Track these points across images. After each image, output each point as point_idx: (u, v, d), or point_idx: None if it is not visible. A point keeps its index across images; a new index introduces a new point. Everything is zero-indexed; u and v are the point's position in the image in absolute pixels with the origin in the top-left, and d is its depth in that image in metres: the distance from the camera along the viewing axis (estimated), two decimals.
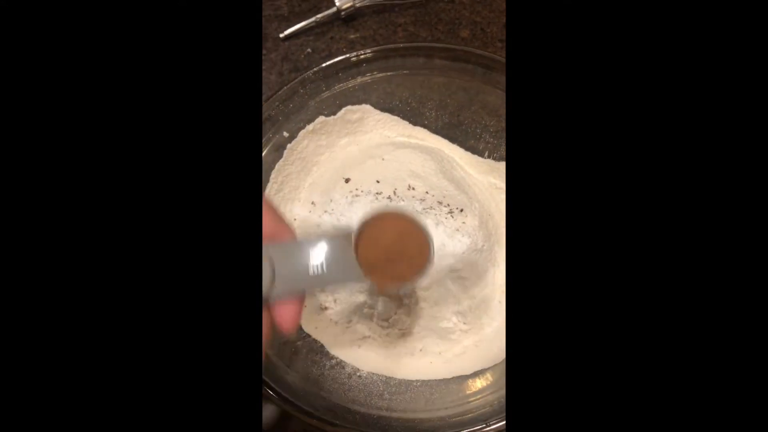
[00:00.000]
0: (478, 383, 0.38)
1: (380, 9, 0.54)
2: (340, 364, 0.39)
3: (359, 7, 0.53)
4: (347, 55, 0.41)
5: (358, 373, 0.39)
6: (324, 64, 0.40)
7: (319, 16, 0.52)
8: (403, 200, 0.41)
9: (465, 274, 0.39)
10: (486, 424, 0.32)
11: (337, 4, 0.52)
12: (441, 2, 0.55)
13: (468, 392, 0.37)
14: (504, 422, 0.33)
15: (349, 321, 0.41)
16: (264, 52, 0.53)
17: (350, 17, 0.53)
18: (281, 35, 0.52)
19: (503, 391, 0.36)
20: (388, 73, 0.43)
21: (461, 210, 0.40)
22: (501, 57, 0.41)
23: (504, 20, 0.53)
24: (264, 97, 0.41)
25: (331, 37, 0.53)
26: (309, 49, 0.53)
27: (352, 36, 0.54)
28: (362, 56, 0.41)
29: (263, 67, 0.51)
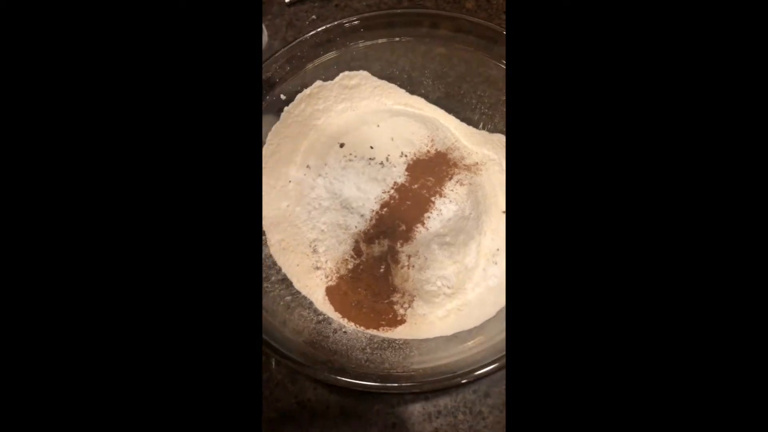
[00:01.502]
0: (457, 346, 0.39)
1: None
2: (327, 320, 0.41)
3: None
4: (347, 19, 0.41)
5: (343, 329, 0.40)
6: (321, 28, 0.41)
7: None
8: (395, 166, 0.42)
9: (450, 240, 0.40)
10: (454, 373, 0.34)
11: None
12: None
13: (445, 353, 0.38)
14: (467, 378, 0.34)
15: (339, 280, 0.42)
16: (269, 17, 0.53)
17: None
18: (287, 1, 0.53)
19: (480, 354, 0.37)
20: (389, 40, 0.43)
21: (450, 177, 0.41)
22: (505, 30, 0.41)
23: None
24: (264, 58, 0.41)
25: (336, 5, 0.54)
26: (314, 16, 0.54)
27: (357, 4, 0.54)
28: (362, 21, 0.42)
29: (267, 33, 0.51)
